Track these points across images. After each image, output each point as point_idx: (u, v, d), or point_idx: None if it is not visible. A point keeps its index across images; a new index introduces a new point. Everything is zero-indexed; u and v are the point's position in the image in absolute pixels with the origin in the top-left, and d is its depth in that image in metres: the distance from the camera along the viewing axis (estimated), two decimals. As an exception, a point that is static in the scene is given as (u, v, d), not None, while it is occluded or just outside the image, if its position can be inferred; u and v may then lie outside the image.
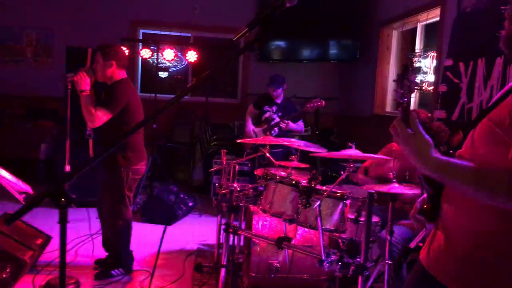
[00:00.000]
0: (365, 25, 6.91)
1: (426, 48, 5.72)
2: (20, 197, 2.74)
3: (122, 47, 6.30)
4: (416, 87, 1.30)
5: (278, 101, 5.32)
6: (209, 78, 1.18)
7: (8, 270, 3.24)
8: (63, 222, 1.13)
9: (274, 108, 5.31)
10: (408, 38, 6.35)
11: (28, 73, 7.32)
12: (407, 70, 1.28)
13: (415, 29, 5.93)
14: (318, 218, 2.58)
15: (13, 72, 7.30)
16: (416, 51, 5.79)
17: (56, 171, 6.44)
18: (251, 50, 1.22)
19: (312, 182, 2.74)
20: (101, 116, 3.31)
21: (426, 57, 5.58)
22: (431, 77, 5.40)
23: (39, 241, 3.65)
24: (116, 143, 2.96)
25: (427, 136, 1.27)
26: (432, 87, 5.26)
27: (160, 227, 5.00)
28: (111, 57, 3.44)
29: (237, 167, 3.31)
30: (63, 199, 1.13)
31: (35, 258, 3.57)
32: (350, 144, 2.74)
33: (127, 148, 3.48)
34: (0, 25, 7.27)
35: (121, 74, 3.52)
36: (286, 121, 5.06)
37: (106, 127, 3.37)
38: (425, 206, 1.45)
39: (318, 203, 2.55)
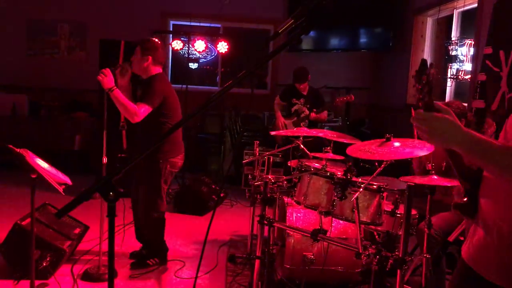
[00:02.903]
0: (398, 12, 6.76)
1: (463, 36, 5.56)
2: (60, 188, 2.79)
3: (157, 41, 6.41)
4: (432, 82, 1.26)
5: (305, 92, 5.35)
6: (256, 69, 1.17)
7: (48, 259, 3.32)
8: (111, 215, 1.14)
9: (302, 100, 5.35)
10: (444, 26, 6.18)
11: (62, 66, 7.47)
12: (425, 66, 1.24)
13: (450, 16, 5.77)
14: (356, 211, 2.54)
15: (49, 65, 7.46)
16: (452, 39, 5.63)
17: (89, 162, 6.58)
18: (298, 42, 1.20)
19: (348, 174, 2.71)
20: (141, 111, 3.32)
21: (462, 45, 5.42)
22: (467, 66, 5.25)
23: (77, 231, 3.73)
24: (164, 136, 2.99)
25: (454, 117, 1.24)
26: (469, 76, 5.11)
27: (193, 218, 5.05)
28: (148, 52, 3.47)
29: (271, 159, 3.30)
30: (111, 193, 1.14)
31: (73, 247, 3.65)
32: (387, 136, 2.69)
33: (165, 141, 3.51)
34: (35, 19, 7.42)
35: (157, 69, 3.54)
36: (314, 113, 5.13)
37: (145, 120, 3.40)
38: (461, 201, 1.41)
39: (355, 195, 2.51)
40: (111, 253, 1.16)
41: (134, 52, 3.52)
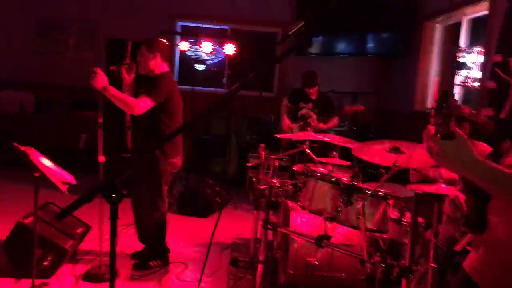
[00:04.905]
0: (407, 18, 6.71)
1: (471, 43, 5.51)
2: (64, 188, 2.77)
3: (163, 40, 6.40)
4: (455, 111, 1.26)
5: (314, 97, 5.27)
6: (265, 72, 1.14)
7: (49, 258, 3.30)
8: (113, 218, 1.12)
9: (310, 105, 5.26)
10: (452, 33, 6.14)
11: (71, 64, 7.47)
12: (445, 98, 1.24)
13: (459, 23, 5.73)
14: (362, 218, 2.51)
15: (57, 63, 7.47)
16: (461, 45, 5.58)
17: (95, 161, 6.55)
18: (309, 45, 1.17)
19: (354, 180, 2.68)
20: (142, 104, 3.28)
21: (471, 52, 5.37)
22: (476, 73, 5.20)
23: (79, 230, 3.72)
24: (168, 137, 2.96)
25: (468, 141, 1.26)
26: (477, 84, 5.06)
27: (196, 220, 5.03)
28: (156, 49, 3.46)
29: (277, 163, 3.27)
30: (114, 195, 1.11)
31: (75, 246, 3.63)
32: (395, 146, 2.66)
33: (169, 142, 3.49)
34: (44, 17, 7.44)
35: (164, 67, 3.53)
36: (318, 123, 5.04)
37: (147, 119, 3.38)
38: (468, 218, 1.42)
39: (362, 202, 2.48)
40: (112, 255, 1.14)
41: (140, 52, 3.50)
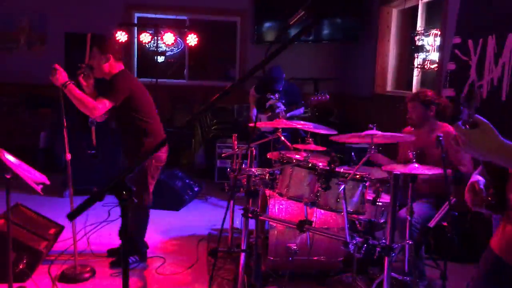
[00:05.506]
0: (364, 3, 6.84)
1: (428, 26, 5.69)
2: (38, 188, 2.69)
3: (119, 33, 6.22)
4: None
5: (280, 88, 5.33)
6: (260, 68, 1.15)
7: (24, 261, 3.21)
8: (124, 215, 1.11)
9: (277, 95, 5.31)
10: (409, 16, 6.31)
11: (22, 60, 7.15)
12: (472, 91, 1.28)
13: (415, 7, 5.89)
14: (343, 201, 2.58)
15: (8, 60, 7.14)
16: (418, 29, 5.76)
17: (55, 159, 6.38)
18: (308, 34, 1.19)
19: (332, 165, 2.74)
20: (100, 106, 3.25)
21: (428, 35, 5.55)
22: (434, 56, 5.38)
23: (52, 231, 3.63)
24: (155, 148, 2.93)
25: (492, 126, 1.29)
26: (435, 66, 5.24)
27: (168, 213, 4.99)
28: (108, 51, 3.38)
29: (254, 151, 3.29)
30: (124, 193, 1.10)
31: (49, 248, 3.55)
32: (370, 126, 2.73)
33: (149, 136, 3.47)
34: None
35: (119, 66, 3.46)
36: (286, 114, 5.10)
37: (119, 118, 3.33)
38: (490, 199, 1.47)
39: (343, 186, 2.54)
40: (125, 257, 1.13)
41: (92, 55, 3.40)
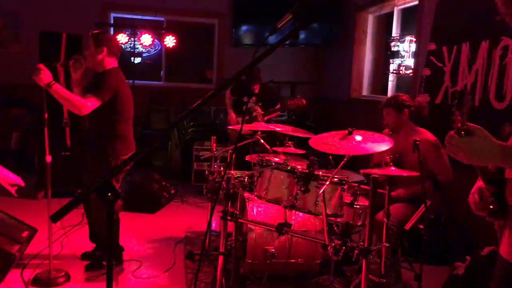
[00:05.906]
0: (340, 9, 6.92)
1: (403, 32, 5.80)
2: (12, 190, 2.64)
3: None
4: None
5: (256, 91, 5.33)
6: (251, 68, 1.15)
7: (-4, 265, 3.13)
8: (110, 216, 1.09)
9: (254, 98, 5.32)
10: (385, 22, 6.42)
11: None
12: (462, 97, 1.25)
13: (391, 13, 6.00)
14: (323, 204, 2.59)
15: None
16: (394, 35, 5.86)
17: (27, 161, 6.24)
18: (296, 37, 1.20)
19: (311, 168, 2.75)
20: (89, 104, 3.18)
21: (403, 41, 5.66)
22: (409, 61, 5.49)
23: (25, 234, 3.53)
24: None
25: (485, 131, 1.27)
26: (410, 71, 5.34)
27: (145, 216, 4.94)
28: (103, 44, 3.34)
29: (233, 155, 3.29)
30: (109, 194, 1.09)
31: (22, 251, 3.46)
32: (350, 129, 2.76)
33: (116, 139, 3.39)
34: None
35: (112, 62, 3.42)
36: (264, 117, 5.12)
37: (96, 117, 3.27)
38: (491, 207, 1.44)
39: (323, 188, 2.56)
40: (110, 250, 1.11)
41: (88, 45, 3.38)
